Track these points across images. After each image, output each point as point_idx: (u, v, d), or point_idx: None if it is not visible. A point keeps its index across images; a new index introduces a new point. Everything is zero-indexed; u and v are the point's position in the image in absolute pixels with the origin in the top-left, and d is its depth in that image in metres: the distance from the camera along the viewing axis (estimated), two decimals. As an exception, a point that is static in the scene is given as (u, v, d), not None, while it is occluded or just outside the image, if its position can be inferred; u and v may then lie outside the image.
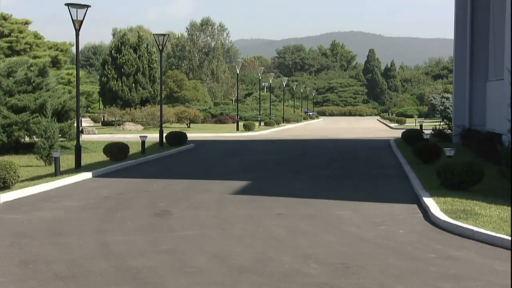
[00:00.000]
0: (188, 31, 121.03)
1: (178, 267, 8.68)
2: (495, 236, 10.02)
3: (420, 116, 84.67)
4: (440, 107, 77.02)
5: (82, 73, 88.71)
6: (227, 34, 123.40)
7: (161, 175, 19.49)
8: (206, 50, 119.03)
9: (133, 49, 61.91)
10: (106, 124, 58.94)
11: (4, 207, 13.60)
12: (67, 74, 63.59)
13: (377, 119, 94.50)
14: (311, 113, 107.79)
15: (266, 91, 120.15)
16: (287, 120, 72.97)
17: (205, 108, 76.64)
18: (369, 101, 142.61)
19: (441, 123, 35.02)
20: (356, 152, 28.61)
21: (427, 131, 35.05)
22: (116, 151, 22.88)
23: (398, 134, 39.08)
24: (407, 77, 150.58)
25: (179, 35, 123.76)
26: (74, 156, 21.08)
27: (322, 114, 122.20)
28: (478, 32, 29.35)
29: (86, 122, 66.04)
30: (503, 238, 9.86)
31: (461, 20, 30.52)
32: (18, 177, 15.95)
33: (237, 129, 50.09)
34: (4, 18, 59.45)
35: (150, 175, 19.51)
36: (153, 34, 33.15)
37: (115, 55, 61.43)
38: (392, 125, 67.55)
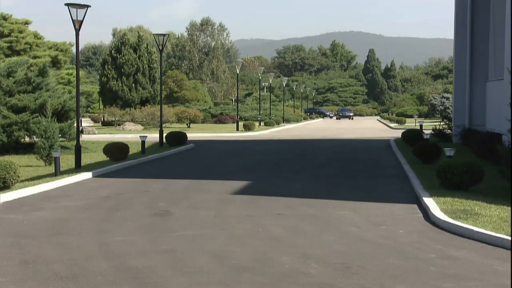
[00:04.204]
0: (188, 31, 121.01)
1: (178, 267, 8.68)
2: (495, 236, 10.01)
3: (420, 116, 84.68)
4: (440, 107, 76.98)
5: (82, 73, 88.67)
6: (227, 34, 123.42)
7: (161, 175, 19.48)
8: (206, 50, 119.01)
9: (133, 49, 61.93)
10: (106, 124, 58.95)
11: (4, 207, 13.60)
12: (67, 74, 63.55)
13: (377, 119, 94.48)
14: (348, 113, 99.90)
15: (266, 91, 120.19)
16: (287, 120, 72.98)
17: (205, 108, 76.66)
18: (369, 101, 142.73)
19: (441, 123, 35.02)
20: (356, 152, 28.61)
21: (427, 131, 35.05)
22: (116, 151, 22.87)
23: (398, 134, 39.08)
24: (407, 77, 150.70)
25: (179, 35, 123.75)
26: (74, 156, 21.07)
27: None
28: (478, 31, 29.34)
29: (86, 122, 66.04)
30: (503, 238, 9.85)
31: (461, 20, 30.52)
32: (18, 177, 15.95)
33: (237, 129, 50.09)
34: (4, 18, 59.38)
35: (150, 175, 19.51)
36: (153, 34, 33.16)
37: (115, 55, 61.44)
38: (392, 125, 67.55)
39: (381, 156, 26.29)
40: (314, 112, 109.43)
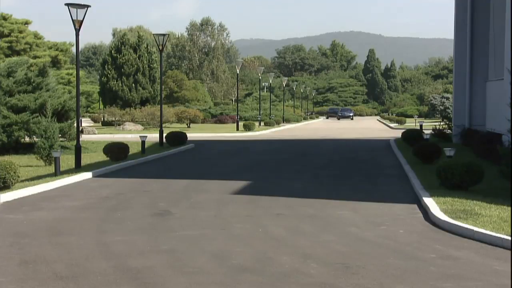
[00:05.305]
0: (188, 31, 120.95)
1: (178, 267, 8.68)
2: (495, 236, 10.01)
3: (420, 116, 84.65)
4: (440, 107, 76.93)
5: (82, 73, 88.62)
6: (227, 34, 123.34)
7: (161, 175, 19.48)
8: (206, 50, 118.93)
9: (133, 49, 61.91)
10: (106, 124, 58.93)
11: (4, 207, 13.60)
12: (67, 74, 63.54)
13: (377, 119, 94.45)
14: (349, 113, 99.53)
15: (266, 91, 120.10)
16: (287, 120, 72.97)
17: (205, 108, 76.61)
18: (369, 101, 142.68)
19: (441, 123, 35.00)
20: (356, 152, 28.61)
21: (427, 131, 35.04)
22: (116, 151, 22.88)
23: (398, 134, 39.07)
24: (407, 77, 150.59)
25: (179, 35, 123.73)
26: (74, 156, 21.07)
27: (322, 114, 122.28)
28: (478, 32, 29.34)
29: (86, 122, 66.02)
30: (503, 238, 9.85)
31: (461, 20, 30.51)
32: (18, 177, 15.94)
33: (237, 129, 50.08)
34: (4, 18, 59.34)
35: (150, 175, 19.51)
36: (153, 34, 33.15)
37: (115, 55, 61.43)
38: (392, 125, 67.54)
39: (381, 156, 26.29)
40: (333, 112, 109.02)
